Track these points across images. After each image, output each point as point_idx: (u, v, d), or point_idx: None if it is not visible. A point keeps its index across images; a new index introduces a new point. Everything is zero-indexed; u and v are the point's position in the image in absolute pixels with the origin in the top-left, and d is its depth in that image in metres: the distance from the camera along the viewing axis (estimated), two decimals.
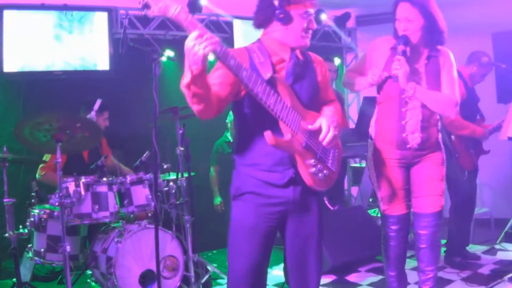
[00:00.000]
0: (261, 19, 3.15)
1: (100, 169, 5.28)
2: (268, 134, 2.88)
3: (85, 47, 6.74)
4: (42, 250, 4.90)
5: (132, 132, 6.91)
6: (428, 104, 4.03)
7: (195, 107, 2.85)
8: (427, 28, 3.99)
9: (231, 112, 7.33)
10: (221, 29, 7.92)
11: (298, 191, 3.15)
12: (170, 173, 5.74)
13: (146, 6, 2.58)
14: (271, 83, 2.97)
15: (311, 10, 3.12)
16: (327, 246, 5.55)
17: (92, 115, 5.51)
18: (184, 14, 2.62)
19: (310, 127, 3.11)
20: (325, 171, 3.20)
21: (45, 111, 5.01)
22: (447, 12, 7.97)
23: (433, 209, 4.15)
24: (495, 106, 6.71)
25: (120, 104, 6.81)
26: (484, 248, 6.74)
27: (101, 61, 6.76)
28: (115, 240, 4.95)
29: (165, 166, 5.57)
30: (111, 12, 6.83)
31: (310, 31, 3.15)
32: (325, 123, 3.11)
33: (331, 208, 3.35)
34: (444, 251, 6.18)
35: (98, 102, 5.53)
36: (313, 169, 3.13)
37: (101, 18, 6.79)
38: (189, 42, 2.61)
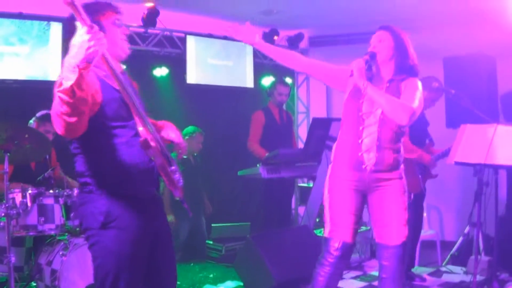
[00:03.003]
0: None
1: (47, 181, 5.24)
2: (144, 141, 2.84)
3: (39, 57, 6.72)
4: None
5: None
6: (380, 105, 3.91)
7: (70, 119, 2.57)
8: (397, 52, 4.02)
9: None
10: (174, 44, 7.96)
11: (158, 208, 3.18)
12: None
13: None
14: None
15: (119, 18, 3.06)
16: (272, 263, 5.57)
17: (32, 123, 5.49)
18: (78, 3, 2.43)
19: (165, 136, 3.20)
20: (180, 178, 3.18)
21: None
22: None
23: (398, 240, 3.99)
24: (444, 130, 6.83)
25: None
26: (430, 270, 6.83)
27: (53, 72, 6.70)
28: (60, 253, 4.92)
29: None
30: (65, 22, 6.77)
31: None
32: (177, 134, 3.27)
33: (190, 214, 3.33)
34: None
35: (43, 112, 5.51)
36: (178, 175, 3.11)
37: (56, 29, 6.80)
38: (83, 35, 2.41)
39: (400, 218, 4.02)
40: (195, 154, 7.71)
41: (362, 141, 4.00)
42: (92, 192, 2.96)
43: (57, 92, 2.51)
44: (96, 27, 2.45)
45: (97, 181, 2.95)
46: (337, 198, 4.07)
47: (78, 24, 2.47)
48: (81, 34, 2.42)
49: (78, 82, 2.45)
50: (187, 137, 7.39)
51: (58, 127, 2.64)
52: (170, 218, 6.86)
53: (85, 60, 2.43)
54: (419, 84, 4.10)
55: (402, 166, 4.14)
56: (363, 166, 3.99)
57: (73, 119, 2.57)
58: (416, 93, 4.00)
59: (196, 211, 7.55)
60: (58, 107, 2.55)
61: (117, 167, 2.93)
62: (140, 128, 2.92)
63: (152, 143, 2.87)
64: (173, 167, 3.07)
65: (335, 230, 4.02)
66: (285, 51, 4.44)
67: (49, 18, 6.73)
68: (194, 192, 7.51)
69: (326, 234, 4.07)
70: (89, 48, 2.41)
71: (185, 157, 7.59)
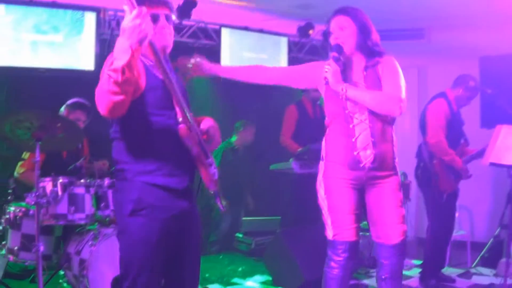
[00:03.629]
0: None
1: (79, 170, 5.24)
2: (182, 127, 2.93)
3: (72, 46, 6.71)
4: (16, 248, 4.85)
5: None
6: (366, 103, 3.77)
7: (117, 98, 2.67)
8: (361, 36, 3.86)
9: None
10: (209, 36, 7.93)
11: (189, 201, 3.14)
12: None
13: None
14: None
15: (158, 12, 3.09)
16: (301, 261, 5.53)
17: (63, 111, 5.51)
18: None
19: (202, 126, 3.19)
20: (216, 171, 3.23)
21: (26, 108, 4.97)
22: (436, 35, 8.11)
23: (396, 239, 3.89)
24: (479, 130, 6.74)
25: None
26: (459, 271, 6.77)
27: (86, 61, 6.72)
28: (90, 242, 4.90)
29: None
30: (100, 12, 6.79)
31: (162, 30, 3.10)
32: (215, 127, 3.26)
33: (222, 209, 3.27)
34: (419, 272, 6.20)
35: (74, 100, 5.53)
36: (213, 168, 3.17)
37: (90, 18, 6.76)
38: (134, 19, 2.58)
39: (397, 216, 3.91)
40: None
41: (356, 139, 3.83)
42: (126, 179, 3.01)
43: (107, 71, 2.63)
44: (145, 10, 2.60)
45: (132, 168, 3.00)
46: (335, 200, 3.90)
47: (126, 8, 2.61)
48: (132, 17, 2.57)
49: (129, 63, 2.59)
50: (241, 129, 7.49)
51: (102, 106, 2.73)
52: (225, 202, 6.92)
53: (137, 41, 2.59)
54: (396, 63, 3.91)
55: (396, 159, 3.99)
56: (361, 165, 3.83)
57: (119, 98, 2.67)
58: (398, 79, 3.85)
59: (238, 204, 7.59)
60: (105, 85, 2.65)
61: (153, 155, 2.99)
62: (180, 118, 2.98)
63: (190, 132, 2.95)
64: (209, 159, 3.13)
65: (339, 233, 3.88)
66: (248, 66, 4.21)
67: (82, 8, 6.74)
68: (237, 184, 7.55)
69: (330, 238, 3.93)
70: (140, 30, 2.58)
71: (235, 147, 7.66)
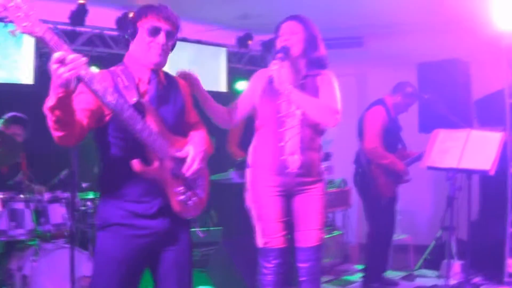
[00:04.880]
0: (121, 37, 3.07)
1: (18, 186, 5.19)
2: (135, 163, 2.79)
3: (10, 59, 6.59)
4: None
5: (53, 149, 6.75)
6: (305, 108, 3.83)
7: (56, 134, 2.62)
8: (309, 44, 3.94)
9: None
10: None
11: (167, 221, 3.01)
12: (89, 192, 5.66)
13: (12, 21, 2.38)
14: (137, 108, 2.84)
15: (160, 25, 2.97)
16: (244, 271, 5.55)
17: (0, 125, 5.45)
18: (49, 34, 2.43)
19: (178, 154, 3.01)
20: (194, 198, 3.11)
21: None
22: (374, 43, 8.22)
23: (312, 243, 3.95)
24: (417, 135, 6.84)
25: (43, 120, 6.63)
26: (402, 274, 6.85)
27: (25, 74, 6.60)
28: (31, 258, 4.86)
29: (83, 185, 5.50)
30: None
31: (159, 46, 2.97)
32: (191, 154, 3.04)
33: (201, 236, 3.15)
34: (362, 277, 6.27)
35: (11, 114, 5.47)
36: (182, 197, 3.02)
37: None
38: (52, 64, 2.40)
39: (318, 222, 3.99)
40: None
41: (285, 144, 3.88)
42: (101, 197, 3.08)
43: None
44: (64, 54, 2.42)
45: (102, 187, 3.06)
46: (263, 208, 3.96)
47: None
48: (53, 61, 2.41)
49: (58, 104, 2.48)
50: None
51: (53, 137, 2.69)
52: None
53: (58, 85, 2.43)
54: (334, 78, 3.99)
55: (322, 166, 4.08)
56: (287, 170, 3.88)
57: (59, 134, 2.62)
58: (335, 92, 3.93)
59: None
60: (47, 120, 2.60)
61: (121, 180, 2.95)
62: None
63: (139, 167, 2.81)
64: (180, 188, 3.02)
65: (269, 241, 3.92)
66: (221, 109, 4.06)
67: None
68: None
69: (261, 245, 3.97)
70: (57, 75, 2.40)
71: None
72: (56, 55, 2.40)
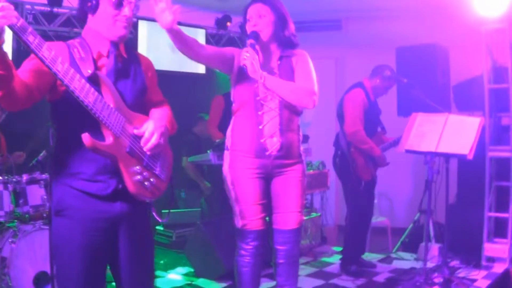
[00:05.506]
0: (80, 12, 2.90)
1: None
2: (85, 136, 2.59)
3: None
4: None
5: (30, 131, 6.71)
6: (282, 94, 3.81)
7: None
8: (278, 25, 3.91)
9: None
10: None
11: (125, 203, 2.87)
12: None
13: None
14: (92, 80, 2.70)
15: None
16: (222, 252, 5.57)
17: None
18: None
19: (135, 131, 2.87)
20: (152, 180, 2.92)
21: None
22: (353, 26, 8.24)
23: (291, 225, 3.96)
24: (396, 119, 6.88)
25: None
26: (380, 256, 6.92)
27: None
28: (10, 240, 4.83)
29: None
30: (17, 6, 6.61)
31: (124, 19, 2.87)
32: (149, 129, 2.89)
33: (160, 221, 3.00)
34: (340, 259, 6.32)
35: None
36: (138, 177, 2.84)
37: None
38: None
39: (297, 204, 3.98)
40: None
41: (263, 127, 3.86)
42: (54, 179, 2.89)
43: None
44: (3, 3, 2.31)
45: (58, 169, 2.85)
46: (242, 190, 3.91)
47: None
48: None
49: None
50: None
51: None
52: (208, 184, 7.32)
53: None
54: (309, 58, 3.99)
55: (301, 147, 4.07)
56: (267, 153, 3.86)
57: None
58: (311, 73, 3.94)
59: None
60: None
61: (77, 158, 2.80)
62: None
63: (89, 142, 2.63)
64: (136, 167, 2.86)
65: (247, 223, 3.90)
66: (192, 39, 3.82)
67: None
68: None
69: (239, 226, 3.95)
70: None
71: None
72: None
